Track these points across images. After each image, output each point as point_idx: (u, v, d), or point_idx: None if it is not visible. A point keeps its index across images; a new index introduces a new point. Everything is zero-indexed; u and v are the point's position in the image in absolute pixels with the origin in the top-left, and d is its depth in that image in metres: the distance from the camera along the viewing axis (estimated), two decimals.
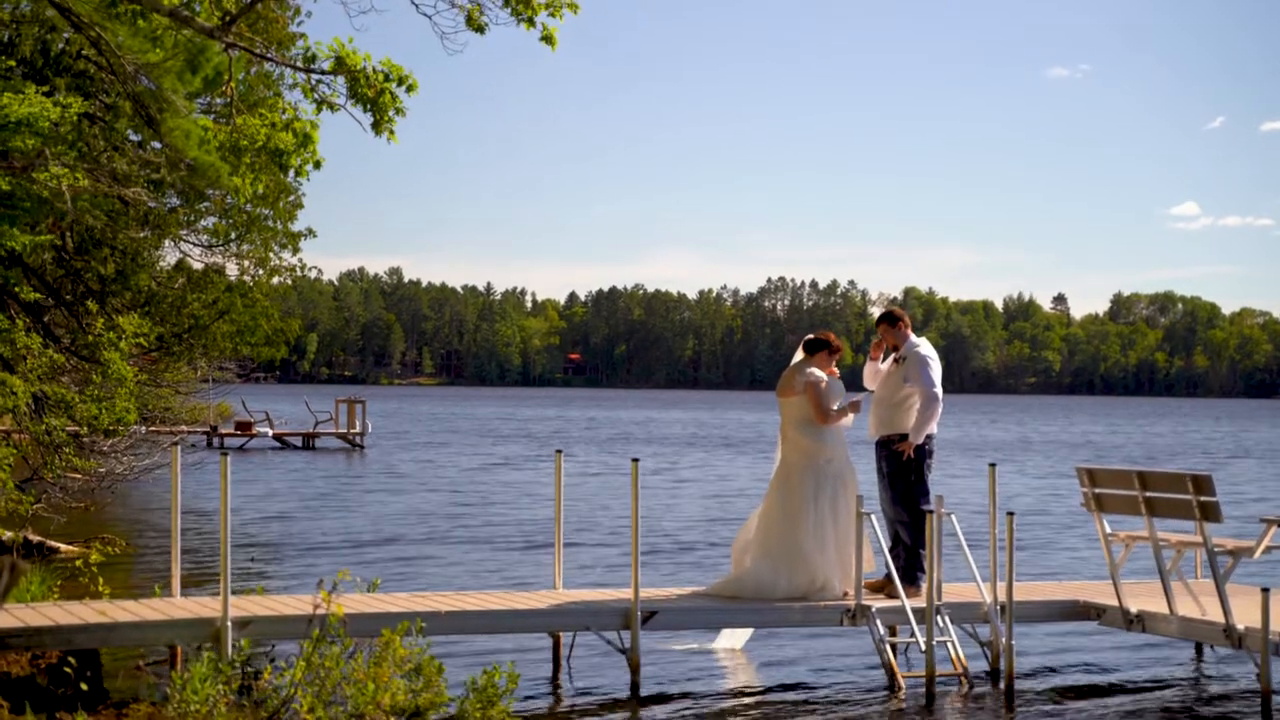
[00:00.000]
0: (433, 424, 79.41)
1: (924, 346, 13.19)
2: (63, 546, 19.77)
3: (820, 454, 12.90)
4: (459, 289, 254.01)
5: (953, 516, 12.47)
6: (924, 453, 13.03)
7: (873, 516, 12.63)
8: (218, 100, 21.64)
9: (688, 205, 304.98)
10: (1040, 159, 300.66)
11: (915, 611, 12.24)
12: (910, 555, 12.95)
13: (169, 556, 12.50)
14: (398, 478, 38.32)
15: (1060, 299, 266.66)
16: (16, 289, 19.43)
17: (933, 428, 13.03)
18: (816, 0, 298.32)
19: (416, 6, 10.86)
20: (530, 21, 10.57)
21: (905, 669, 12.48)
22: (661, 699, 11.86)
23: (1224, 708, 11.91)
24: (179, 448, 12.34)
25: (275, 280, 26.87)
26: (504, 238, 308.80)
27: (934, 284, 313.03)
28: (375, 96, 10.51)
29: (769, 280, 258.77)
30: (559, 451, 13.43)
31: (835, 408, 12.99)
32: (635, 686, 11.91)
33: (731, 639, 13.69)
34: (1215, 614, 12.01)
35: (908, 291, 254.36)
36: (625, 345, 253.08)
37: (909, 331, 13.34)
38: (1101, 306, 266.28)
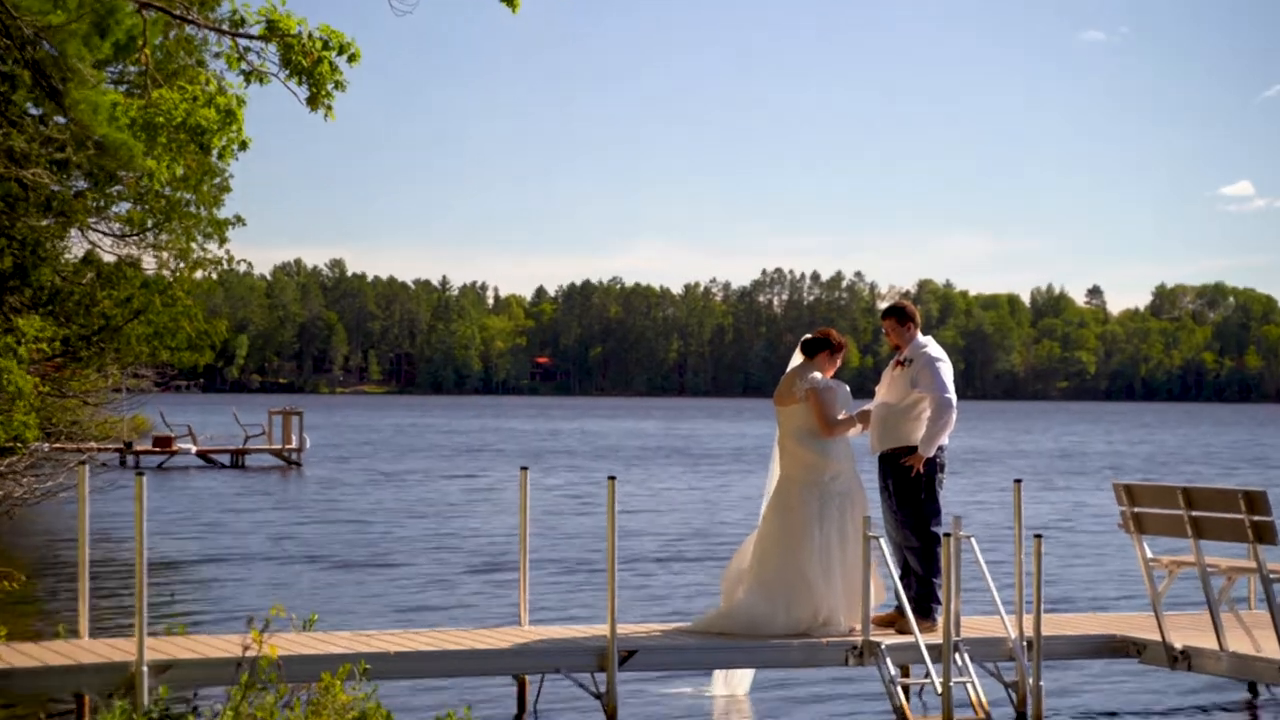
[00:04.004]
0: (380, 438, 79.34)
1: (932, 347, 13.21)
2: None
3: (824, 469, 12.91)
4: (410, 284, 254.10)
5: (972, 540, 12.50)
6: (935, 467, 13.04)
7: (881, 540, 12.64)
8: (131, 69, 21.65)
9: (671, 188, 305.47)
10: (1072, 134, 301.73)
11: (930, 648, 12.27)
12: (923, 584, 12.97)
13: (75, 592, 12.47)
14: (339, 499, 38.27)
15: (1095, 292, 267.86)
16: None
17: (945, 438, 13.05)
18: None
19: None
20: None
21: (920, 713, 12.51)
22: None
23: None
24: (87, 467, 12.31)
25: (199, 275, 26.87)
26: (462, 226, 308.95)
27: (952, 276, 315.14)
28: (312, 67, 10.52)
29: (764, 273, 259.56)
30: (524, 468, 13.42)
31: (841, 416, 13.01)
32: None
33: (732, 682, 13.66)
34: (1271, 650, 12.06)
35: (922, 284, 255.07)
36: (601, 347, 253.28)
37: (917, 331, 13.36)
38: (1142, 300, 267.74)
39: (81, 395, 28.90)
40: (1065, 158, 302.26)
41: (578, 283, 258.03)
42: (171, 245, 26.27)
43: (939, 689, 11.98)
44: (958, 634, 12.21)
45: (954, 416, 13.01)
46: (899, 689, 12.20)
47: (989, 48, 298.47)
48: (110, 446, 47.32)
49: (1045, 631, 12.54)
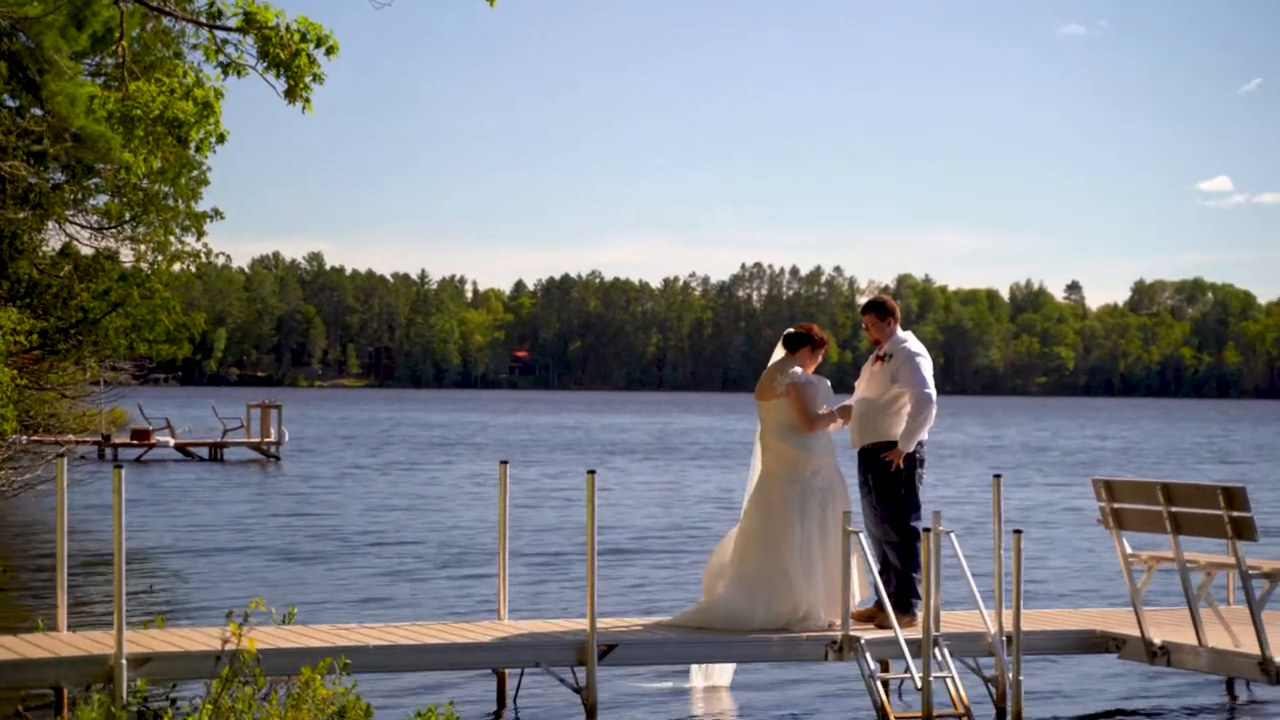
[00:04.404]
0: (358, 431, 79.25)
1: (912, 342, 13.24)
2: None
3: (806, 464, 12.92)
4: (389, 277, 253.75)
5: (952, 535, 12.52)
6: (914, 462, 13.07)
7: (861, 535, 12.65)
8: (108, 61, 21.59)
9: (650, 182, 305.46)
10: (1051, 128, 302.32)
11: (910, 643, 12.28)
12: (902, 579, 12.99)
13: (53, 585, 12.44)
14: (317, 492, 38.22)
15: (1074, 288, 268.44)
16: None
17: (925, 433, 13.08)
18: None
19: None
20: None
21: (899, 708, 12.52)
22: None
23: None
24: (65, 460, 12.28)
25: (177, 267, 26.83)
26: (441, 219, 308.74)
27: (931, 271, 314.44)
28: (289, 59, 10.49)
29: (743, 267, 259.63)
30: (504, 462, 13.40)
31: (822, 411, 13.02)
32: None
33: (712, 676, 13.68)
34: (1250, 645, 12.09)
35: (901, 279, 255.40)
36: (580, 341, 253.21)
37: (897, 326, 13.38)
38: (1121, 296, 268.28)
39: (59, 388, 28.82)
40: (1044, 153, 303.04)
41: (556, 277, 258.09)
42: (149, 238, 26.22)
43: (918, 684, 12.00)
44: (937, 629, 12.23)
45: (934, 412, 13.03)
46: (878, 684, 12.20)
47: (969, 42, 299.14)
48: (88, 439, 47.22)
49: (1024, 627, 12.56)
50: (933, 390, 13.06)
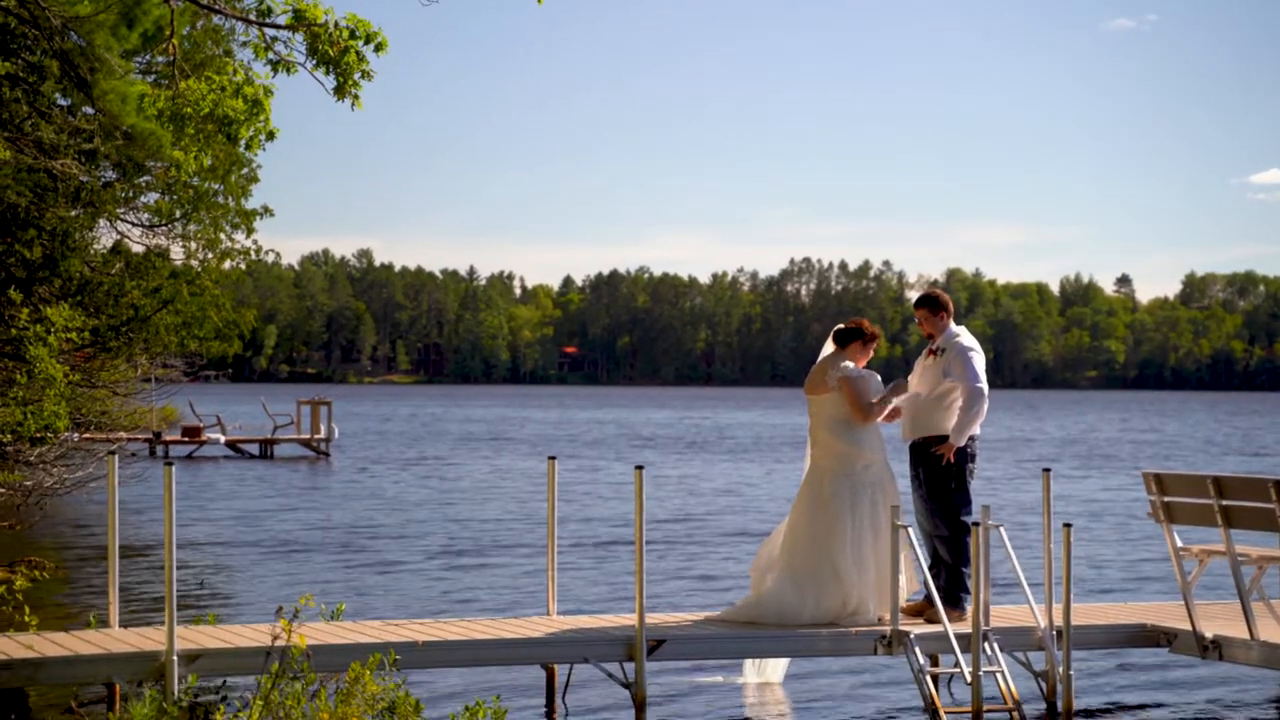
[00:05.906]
0: (408, 428, 79.49)
1: (965, 336, 13.21)
2: None
3: (857, 458, 12.89)
4: (438, 274, 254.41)
5: (1001, 529, 12.47)
6: (966, 456, 13.04)
7: (910, 529, 12.61)
8: (158, 59, 21.70)
9: (698, 177, 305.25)
10: (1101, 122, 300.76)
11: (959, 638, 12.24)
12: (952, 574, 12.96)
13: (105, 581, 12.52)
14: (367, 489, 38.35)
15: (1124, 281, 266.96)
16: None
17: (976, 428, 13.04)
18: None
19: None
20: None
21: (949, 703, 12.49)
22: None
23: None
24: (116, 457, 12.34)
25: (227, 265, 26.89)
26: (489, 215, 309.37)
27: (980, 264, 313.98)
28: (339, 57, 10.51)
29: (791, 262, 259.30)
30: (552, 458, 13.42)
31: (874, 400, 12.99)
32: None
33: (765, 671, 13.67)
34: None
35: (950, 273, 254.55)
36: (628, 337, 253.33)
37: (949, 320, 13.35)
38: (1172, 289, 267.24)
39: (111, 385, 28.94)
40: (1094, 146, 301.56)
41: (605, 272, 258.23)
42: (199, 235, 26.31)
43: (968, 679, 11.96)
44: (987, 623, 12.18)
45: (986, 406, 13.00)
46: (928, 678, 12.17)
47: (1018, 36, 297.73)
48: (139, 436, 47.48)
49: (1075, 621, 12.51)
50: (984, 384, 13.03)
